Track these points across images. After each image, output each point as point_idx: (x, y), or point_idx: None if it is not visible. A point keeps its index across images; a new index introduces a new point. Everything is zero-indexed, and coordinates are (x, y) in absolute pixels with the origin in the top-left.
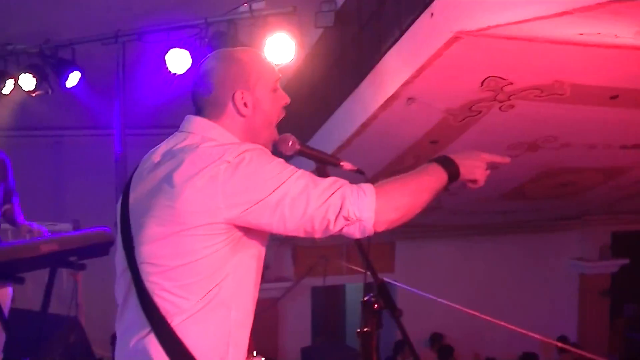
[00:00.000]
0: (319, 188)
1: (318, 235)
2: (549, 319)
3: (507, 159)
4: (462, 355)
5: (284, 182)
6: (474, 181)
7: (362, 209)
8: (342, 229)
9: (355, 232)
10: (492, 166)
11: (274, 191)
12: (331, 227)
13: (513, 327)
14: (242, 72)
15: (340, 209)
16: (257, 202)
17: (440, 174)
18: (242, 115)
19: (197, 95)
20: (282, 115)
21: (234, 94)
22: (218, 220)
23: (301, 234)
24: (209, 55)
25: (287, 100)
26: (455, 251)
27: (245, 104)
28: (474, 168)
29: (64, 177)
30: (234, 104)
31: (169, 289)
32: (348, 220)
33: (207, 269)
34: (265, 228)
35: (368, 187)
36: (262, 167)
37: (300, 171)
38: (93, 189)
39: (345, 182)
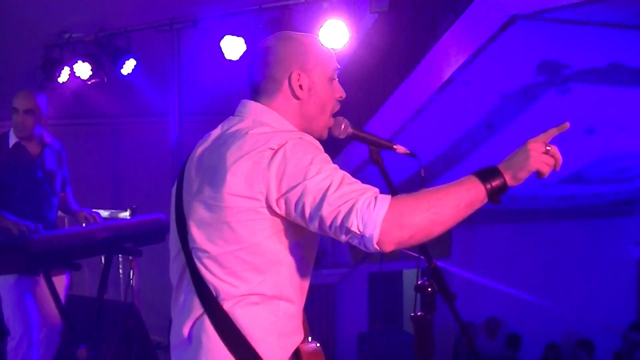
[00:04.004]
0: (339, 191)
1: (336, 238)
2: (607, 304)
3: (564, 125)
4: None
5: (312, 176)
6: (538, 174)
7: (366, 223)
8: (347, 239)
9: (360, 245)
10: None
11: (299, 183)
12: (338, 234)
13: (571, 312)
14: (302, 53)
15: (345, 218)
16: (287, 191)
17: (475, 187)
18: (297, 98)
19: (253, 74)
20: (337, 108)
21: (290, 74)
22: (259, 206)
23: (323, 233)
24: (270, 36)
25: (343, 94)
26: (513, 236)
27: (300, 86)
28: (524, 164)
29: (120, 165)
30: (290, 85)
31: (219, 275)
32: (350, 232)
33: (255, 259)
34: (294, 220)
35: (382, 201)
36: (301, 157)
37: (334, 170)
38: (150, 176)
39: (368, 190)
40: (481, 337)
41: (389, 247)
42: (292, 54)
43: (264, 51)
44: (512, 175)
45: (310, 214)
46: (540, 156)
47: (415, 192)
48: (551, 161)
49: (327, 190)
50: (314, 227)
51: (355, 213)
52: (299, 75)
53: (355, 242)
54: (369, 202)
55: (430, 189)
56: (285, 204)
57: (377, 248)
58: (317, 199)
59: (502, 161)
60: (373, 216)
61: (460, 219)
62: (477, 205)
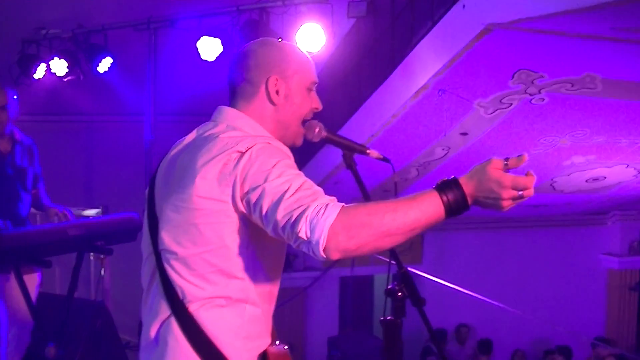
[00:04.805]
0: (294, 196)
1: (289, 243)
2: (577, 313)
3: (523, 157)
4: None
5: (272, 179)
6: (497, 207)
7: (314, 229)
8: (297, 245)
9: (309, 252)
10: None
11: (259, 185)
12: (291, 239)
13: (541, 321)
14: (282, 59)
15: (295, 223)
16: (248, 191)
17: (436, 213)
18: (273, 103)
19: (232, 76)
20: (310, 117)
21: (268, 78)
22: (227, 209)
23: (278, 237)
24: (253, 40)
25: (319, 106)
26: (485, 243)
27: (277, 92)
28: (494, 207)
29: (93, 163)
30: (267, 89)
31: (187, 277)
32: (299, 238)
33: (222, 262)
34: (256, 222)
35: (332, 208)
36: (265, 160)
37: (295, 176)
38: (122, 175)
39: (322, 197)
40: (451, 343)
41: (334, 255)
42: (271, 59)
43: (245, 54)
44: (477, 206)
45: (266, 216)
46: (512, 203)
47: (373, 202)
48: (519, 199)
49: (284, 194)
50: (269, 230)
51: (304, 219)
52: (277, 80)
53: (304, 249)
54: (320, 209)
55: (389, 202)
56: (246, 205)
57: (323, 255)
58: (274, 202)
59: (471, 186)
60: (321, 222)
61: (412, 236)
62: (432, 223)
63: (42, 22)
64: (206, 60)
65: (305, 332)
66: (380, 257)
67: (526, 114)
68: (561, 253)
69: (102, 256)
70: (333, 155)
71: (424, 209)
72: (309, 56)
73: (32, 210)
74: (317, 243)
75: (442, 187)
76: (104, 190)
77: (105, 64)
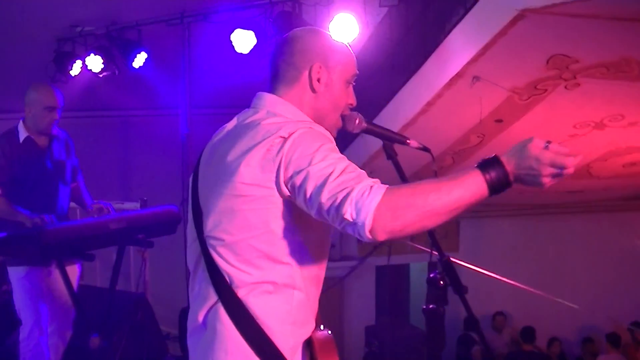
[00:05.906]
0: (339, 179)
1: (333, 225)
2: (617, 299)
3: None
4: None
5: (316, 163)
6: (537, 184)
7: (359, 211)
8: (342, 227)
9: (354, 234)
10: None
11: (303, 169)
12: (334, 221)
13: (579, 308)
14: (327, 49)
15: (340, 205)
16: (292, 175)
17: (479, 192)
18: (314, 91)
19: (275, 61)
20: (346, 112)
21: (312, 65)
22: (272, 195)
23: (322, 220)
24: (299, 28)
25: (354, 102)
26: (522, 230)
27: (319, 80)
28: (535, 184)
29: (131, 157)
30: (310, 75)
31: (233, 263)
32: (344, 220)
33: (268, 247)
34: (300, 206)
35: (377, 190)
36: (308, 145)
37: (339, 159)
38: (160, 168)
39: (366, 179)
40: (487, 331)
41: (381, 236)
42: (317, 47)
43: (291, 39)
44: (519, 183)
45: (310, 199)
46: (552, 179)
47: (416, 183)
48: (558, 175)
49: (328, 177)
50: (313, 212)
51: (349, 201)
52: (320, 68)
53: (349, 231)
54: (364, 191)
55: (432, 182)
56: (291, 188)
57: (370, 236)
58: (318, 185)
59: (512, 164)
60: (366, 204)
61: (456, 215)
62: (475, 201)
63: (76, 20)
64: (240, 53)
65: (342, 321)
66: (418, 245)
67: (561, 99)
68: (599, 239)
69: (142, 249)
70: (369, 145)
71: (467, 187)
72: (352, 51)
73: (72, 204)
74: (363, 224)
75: (484, 165)
76: (142, 184)
77: (140, 59)
